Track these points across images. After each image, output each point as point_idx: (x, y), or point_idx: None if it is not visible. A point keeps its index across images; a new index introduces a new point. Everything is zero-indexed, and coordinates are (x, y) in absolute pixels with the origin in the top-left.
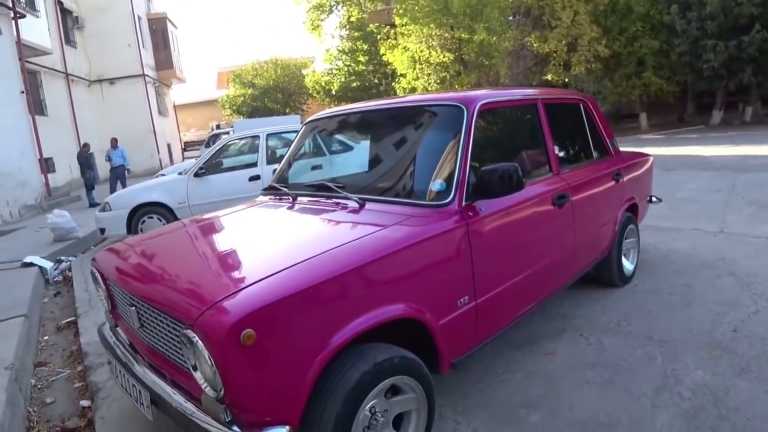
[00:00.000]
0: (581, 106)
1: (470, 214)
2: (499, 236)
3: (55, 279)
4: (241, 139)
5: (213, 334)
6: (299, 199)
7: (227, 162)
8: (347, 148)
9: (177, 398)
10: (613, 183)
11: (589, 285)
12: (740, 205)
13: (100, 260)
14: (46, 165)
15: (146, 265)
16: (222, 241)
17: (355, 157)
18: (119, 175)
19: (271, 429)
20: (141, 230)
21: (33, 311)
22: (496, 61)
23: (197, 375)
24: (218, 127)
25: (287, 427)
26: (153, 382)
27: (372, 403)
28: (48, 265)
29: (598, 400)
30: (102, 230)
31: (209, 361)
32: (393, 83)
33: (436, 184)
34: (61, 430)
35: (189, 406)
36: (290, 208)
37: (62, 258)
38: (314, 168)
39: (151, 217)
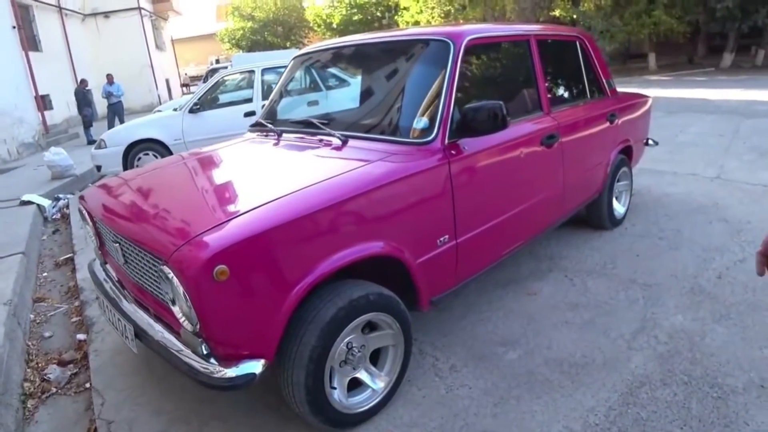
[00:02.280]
0: (577, 43)
1: (453, 152)
2: (482, 175)
3: (54, 217)
4: (236, 74)
5: (187, 270)
6: (285, 135)
7: (223, 98)
8: (335, 83)
9: (158, 332)
10: (606, 124)
11: (580, 227)
12: (741, 150)
13: (87, 198)
14: (43, 102)
15: (127, 203)
16: (203, 178)
17: (342, 93)
18: (117, 111)
19: (246, 362)
20: (137, 167)
21: (31, 248)
22: None
23: (175, 309)
24: (217, 61)
25: (262, 361)
26: (137, 317)
27: (349, 338)
28: (46, 203)
29: (576, 341)
30: (98, 167)
31: (184, 297)
32: (395, 16)
33: (419, 122)
34: (58, 362)
35: (170, 339)
36: (275, 144)
37: (60, 196)
38: (301, 104)
39: (147, 154)
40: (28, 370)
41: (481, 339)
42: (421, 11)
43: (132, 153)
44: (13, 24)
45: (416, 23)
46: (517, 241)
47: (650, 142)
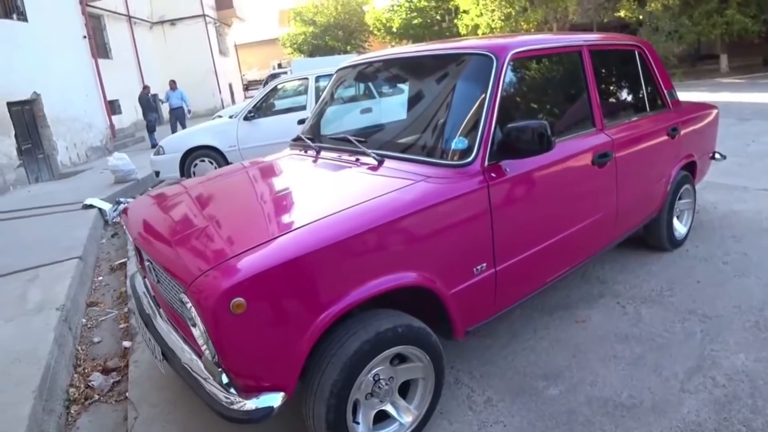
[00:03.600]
0: (636, 53)
1: (493, 175)
2: (525, 199)
3: (114, 220)
4: (290, 81)
5: (203, 301)
6: (323, 152)
7: (279, 104)
8: (376, 97)
9: (186, 354)
10: (666, 139)
11: (637, 247)
12: None
13: (129, 212)
14: (112, 107)
15: (159, 224)
16: (233, 200)
17: (382, 108)
18: (179, 117)
19: (266, 394)
20: (193, 173)
21: (89, 253)
22: None
23: (196, 335)
24: (279, 66)
25: (282, 394)
26: (168, 337)
27: (376, 370)
28: (107, 206)
29: (623, 378)
30: (157, 173)
31: (201, 327)
32: (455, 20)
33: (458, 142)
34: (102, 369)
35: (194, 364)
36: (312, 162)
37: (121, 200)
38: (342, 118)
39: (203, 161)
40: (75, 375)
41: (522, 371)
42: (481, 14)
43: (189, 159)
44: (84, 34)
45: (476, 27)
46: (563, 267)
47: (717, 155)
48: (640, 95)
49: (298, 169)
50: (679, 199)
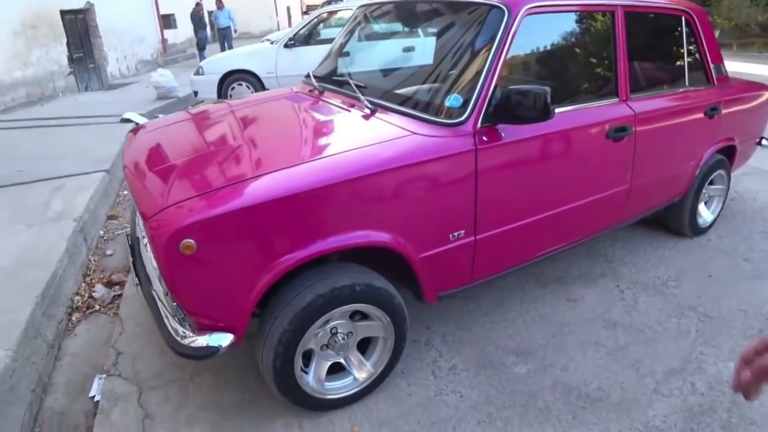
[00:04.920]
0: (683, 19)
1: (485, 138)
2: (518, 169)
3: None
4: (334, 11)
5: (156, 239)
6: (325, 93)
7: (323, 34)
8: (385, 43)
9: (155, 284)
10: (703, 118)
11: (655, 228)
12: None
13: (136, 134)
14: (167, 21)
15: (141, 156)
16: (217, 137)
17: (388, 55)
18: (226, 36)
19: (215, 334)
20: (230, 95)
21: (117, 167)
22: None
23: (151, 269)
24: None
25: (231, 336)
26: (147, 264)
27: (335, 323)
28: (144, 121)
29: (597, 368)
30: (195, 93)
31: (154, 263)
32: None
33: (452, 99)
34: (106, 282)
35: (160, 295)
36: (312, 103)
37: (159, 116)
38: (352, 60)
39: (240, 84)
40: (83, 284)
41: (496, 343)
42: None
43: (227, 81)
44: None
45: None
46: (558, 243)
47: (764, 142)
48: (680, 67)
49: (293, 110)
50: (710, 184)
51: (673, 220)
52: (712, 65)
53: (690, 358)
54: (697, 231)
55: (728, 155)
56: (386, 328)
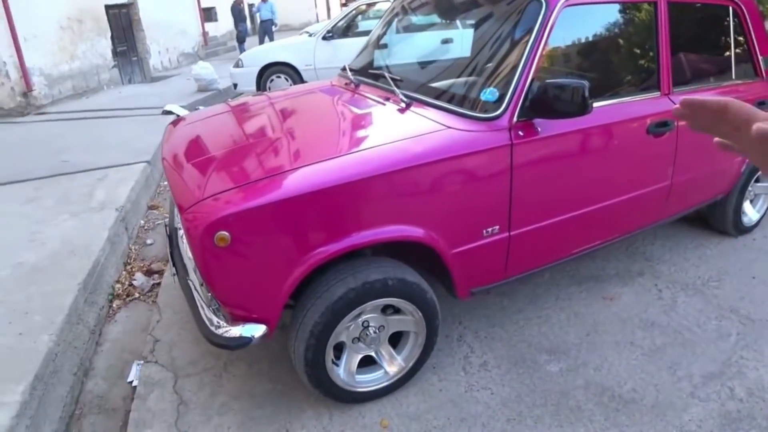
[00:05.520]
0: (730, 9)
1: (521, 133)
2: (554, 164)
3: None
4: (373, 4)
5: (192, 230)
6: (361, 86)
7: (361, 26)
8: (422, 36)
9: (191, 274)
10: None
11: (697, 226)
12: None
13: (176, 125)
14: (208, 15)
15: (179, 148)
16: (256, 130)
17: (425, 48)
18: (267, 30)
19: (249, 324)
20: (269, 88)
21: (158, 158)
22: None
23: (187, 260)
24: None
25: (264, 327)
26: (184, 253)
27: (366, 316)
28: (185, 113)
29: (632, 369)
30: (235, 85)
31: (189, 254)
32: None
33: (487, 93)
34: (146, 270)
35: (196, 284)
36: (348, 96)
37: (199, 108)
38: (390, 53)
39: (279, 77)
40: (124, 272)
41: (529, 340)
42: None
43: (266, 74)
44: None
45: None
46: (594, 240)
47: None
48: (726, 60)
49: (329, 103)
50: (756, 181)
51: (716, 218)
52: (761, 58)
53: (729, 362)
54: (742, 230)
55: None
56: (418, 322)
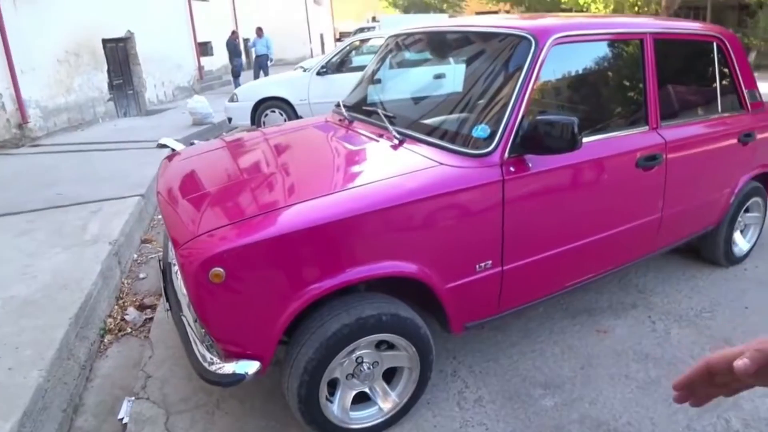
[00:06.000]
0: (714, 45)
1: (512, 169)
2: (546, 199)
3: None
4: (366, 40)
5: (186, 266)
6: (355, 123)
7: (355, 61)
8: (414, 73)
9: (184, 310)
10: (736, 144)
11: (688, 257)
12: None
13: (172, 160)
14: (204, 49)
15: (173, 182)
16: (251, 166)
17: (418, 85)
18: (262, 64)
19: (242, 361)
20: (264, 122)
21: (152, 191)
22: None
23: (182, 296)
24: (374, 19)
25: (258, 363)
26: (178, 289)
27: (360, 352)
28: (179, 147)
29: (628, 402)
30: (229, 119)
31: (184, 290)
32: None
33: (479, 130)
34: (139, 305)
35: (188, 320)
36: (342, 133)
37: (194, 142)
38: (383, 89)
39: (274, 111)
40: (116, 307)
41: (523, 374)
42: None
43: (261, 108)
44: None
45: None
46: (586, 273)
47: None
48: (712, 94)
49: (323, 139)
50: (746, 211)
51: (707, 249)
52: (745, 91)
53: None
54: (733, 260)
55: (765, 182)
56: (412, 358)
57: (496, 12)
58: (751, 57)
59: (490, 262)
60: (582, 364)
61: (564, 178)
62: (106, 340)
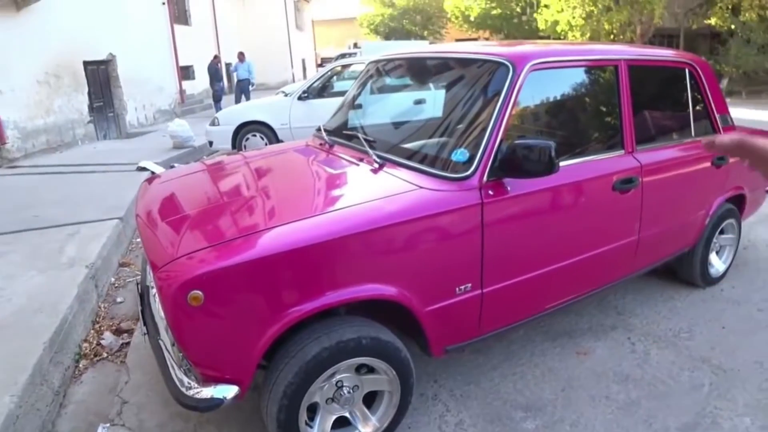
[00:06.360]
0: (686, 71)
1: (491, 192)
2: (525, 222)
3: None
4: (348, 65)
5: (164, 289)
6: (336, 147)
7: (336, 86)
8: (394, 98)
9: (162, 333)
10: (710, 167)
11: (665, 279)
12: None
13: (151, 183)
14: (186, 73)
15: (153, 206)
16: (231, 189)
17: (397, 109)
18: (243, 89)
19: (220, 385)
20: (245, 146)
21: (131, 214)
22: None
23: (159, 320)
24: (355, 45)
25: (236, 388)
26: (156, 313)
27: (340, 376)
28: (160, 170)
29: (608, 423)
30: (210, 143)
31: (162, 314)
32: (535, 14)
33: (458, 154)
34: (115, 329)
35: (167, 344)
36: (322, 157)
37: (174, 165)
38: (364, 114)
39: (255, 135)
40: (92, 331)
41: (504, 397)
42: (562, 10)
43: (242, 132)
44: (163, 0)
45: (555, 22)
46: (566, 295)
47: None
48: (685, 118)
49: (304, 163)
50: (721, 233)
51: (684, 271)
52: (717, 115)
53: (704, 412)
54: (709, 281)
55: (738, 204)
56: (392, 381)
57: (475, 39)
58: (723, 83)
59: (469, 284)
60: (563, 386)
61: (542, 201)
62: (81, 365)
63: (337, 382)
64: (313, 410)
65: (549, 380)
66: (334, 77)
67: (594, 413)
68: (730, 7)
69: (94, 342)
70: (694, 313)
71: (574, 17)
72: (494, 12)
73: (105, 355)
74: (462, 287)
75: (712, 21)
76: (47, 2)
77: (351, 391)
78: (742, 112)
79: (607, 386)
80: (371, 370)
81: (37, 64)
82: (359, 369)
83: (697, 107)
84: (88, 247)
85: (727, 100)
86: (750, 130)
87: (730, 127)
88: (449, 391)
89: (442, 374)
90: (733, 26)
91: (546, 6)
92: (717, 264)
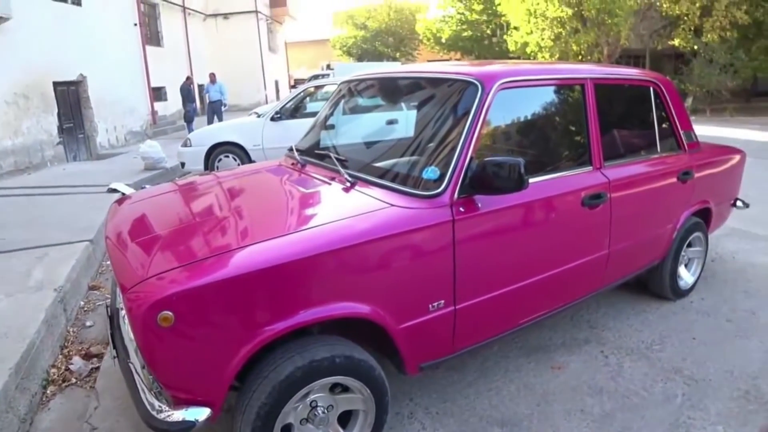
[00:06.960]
0: (651, 89)
1: (462, 209)
2: (496, 238)
3: None
4: (320, 86)
5: (134, 310)
6: (308, 166)
7: (309, 107)
8: (366, 117)
9: (132, 356)
10: (676, 182)
11: (636, 292)
12: None
13: (121, 204)
14: (158, 94)
15: (122, 227)
16: (202, 209)
17: (369, 129)
18: (215, 110)
19: (192, 408)
20: (217, 167)
21: (101, 236)
22: (618, 20)
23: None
24: (328, 66)
25: (208, 410)
26: (125, 335)
27: (314, 396)
28: (130, 192)
29: None
30: (182, 164)
31: (131, 335)
32: (505, 35)
33: (428, 171)
34: (84, 354)
35: (137, 367)
36: (294, 176)
37: (145, 186)
38: (336, 134)
39: (227, 156)
40: (60, 356)
41: (480, 414)
42: (531, 32)
43: (214, 154)
44: (135, 21)
45: (525, 44)
46: (539, 310)
47: (739, 203)
48: (651, 135)
49: (276, 183)
50: (689, 246)
51: (654, 284)
52: (682, 132)
53: (677, 423)
54: (679, 293)
55: (704, 218)
56: (367, 400)
57: (447, 59)
58: (688, 102)
59: (442, 301)
60: (538, 401)
61: (513, 218)
62: (48, 392)
63: (311, 402)
64: (287, 431)
65: (524, 395)
66: (307, 98)
67: (569, 427)
68: (692, 28)
69: (63, 367)
70: (666, 325)
71: (543, 39)
72: (465, 34)
73: (74, 380)
74: (435, 304)
75: (676, 42)
76: (16, 22)
77: (325, 410)
78: (706, 129)
79: (581, 399)
80: (346, 389)
81: (5, 84)
82: (334, 388)
83: (663, 124)
84: (56, 270)
85: (692, 117)
86: (715, 146)
87: (694, 143)
88: (425, 409)
89: (417, 392)
90: (696, 47)
91: (516, 28)
92: (686, 277)
